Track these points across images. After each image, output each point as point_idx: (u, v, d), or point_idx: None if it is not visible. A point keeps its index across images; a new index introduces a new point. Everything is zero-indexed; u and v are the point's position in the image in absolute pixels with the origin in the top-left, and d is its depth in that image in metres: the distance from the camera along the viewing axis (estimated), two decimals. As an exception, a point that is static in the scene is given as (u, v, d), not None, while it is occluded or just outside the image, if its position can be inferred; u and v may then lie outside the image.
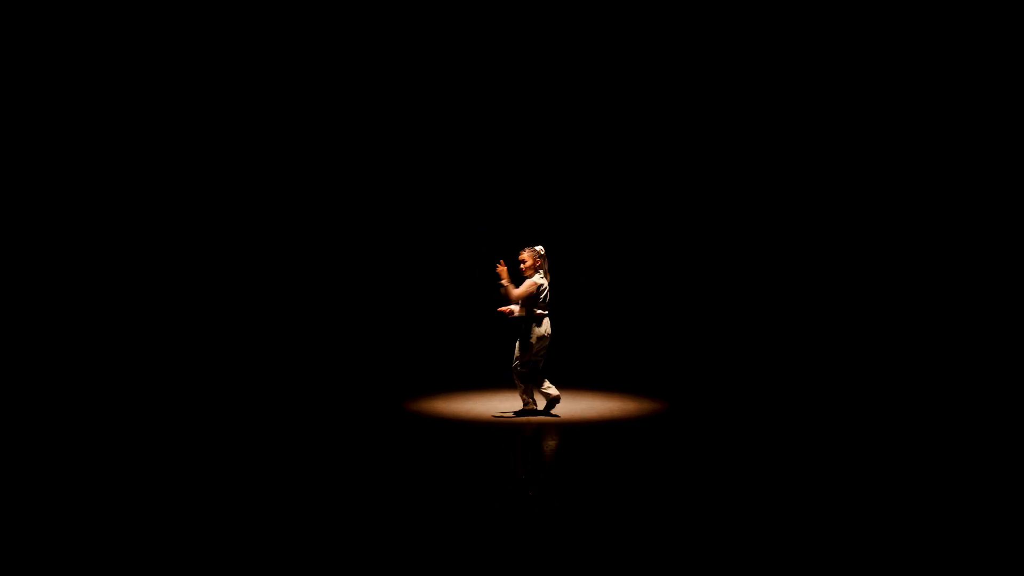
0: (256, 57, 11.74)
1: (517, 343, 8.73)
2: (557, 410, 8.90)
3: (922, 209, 11.43)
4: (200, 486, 6.13)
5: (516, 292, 8.54)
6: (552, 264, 8.86)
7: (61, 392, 9.66)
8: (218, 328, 11.76)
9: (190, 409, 9.00)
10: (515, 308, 8.65)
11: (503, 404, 9.25)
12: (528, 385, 8.79)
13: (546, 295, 8.65)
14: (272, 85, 11.92)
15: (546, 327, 8.66)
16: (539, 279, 8.59)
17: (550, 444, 7.67)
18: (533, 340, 8.59)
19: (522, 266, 8.62)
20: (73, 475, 6.37)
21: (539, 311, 8.62)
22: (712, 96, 12.12)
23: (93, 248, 11.27)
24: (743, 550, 4.83)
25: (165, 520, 5.32)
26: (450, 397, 9.83)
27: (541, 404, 8.98)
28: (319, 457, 7.07)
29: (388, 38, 11.91)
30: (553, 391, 8.83)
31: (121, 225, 11.46)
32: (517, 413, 8.81)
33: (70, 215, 11.18)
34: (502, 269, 8.53)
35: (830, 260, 11.84)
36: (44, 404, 9.10)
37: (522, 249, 8.67)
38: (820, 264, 11.88)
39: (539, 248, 8.69)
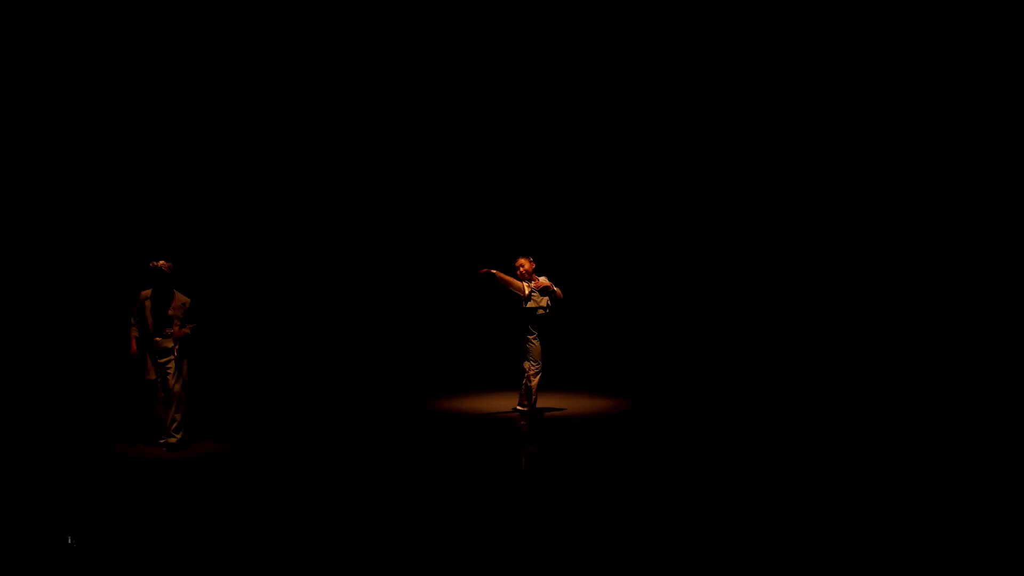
0: (257, 60, 11.76)
1: (538, 345, 8.84)
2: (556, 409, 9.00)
3: (908, 213, 11.44)
4: (206, 483, 6.20)
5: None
6: (550, 265, 8.97)
7: (63, 393, 9.71)
8: (221, 330, 11.76)
9: (197, 409, 9.03)
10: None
11: (503, 404, 9.32)
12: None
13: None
14: (277, 90, 11.93)
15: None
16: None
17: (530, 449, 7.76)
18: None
19: (520, 271, 8.75)
20: (78, 475, 6.44)
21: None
22: (707, 103, 12.15)
23: (96, 250, 11.29)
24: (733, 548, 4.89)
25: (171, 518, 5.39)
26: (451, 398, 9.88)
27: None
28: (323, 455, 7.13)
29: (389, 40, 11.94)
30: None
31: (127, 228, 11.46)
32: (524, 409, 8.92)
33: (72, 216, 11.21)
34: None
35: (821, 264, 11.87)
36: (46, 404, 9.15)
37: (523, 257, 8.85)
38: (812, 268, 11.91)
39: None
